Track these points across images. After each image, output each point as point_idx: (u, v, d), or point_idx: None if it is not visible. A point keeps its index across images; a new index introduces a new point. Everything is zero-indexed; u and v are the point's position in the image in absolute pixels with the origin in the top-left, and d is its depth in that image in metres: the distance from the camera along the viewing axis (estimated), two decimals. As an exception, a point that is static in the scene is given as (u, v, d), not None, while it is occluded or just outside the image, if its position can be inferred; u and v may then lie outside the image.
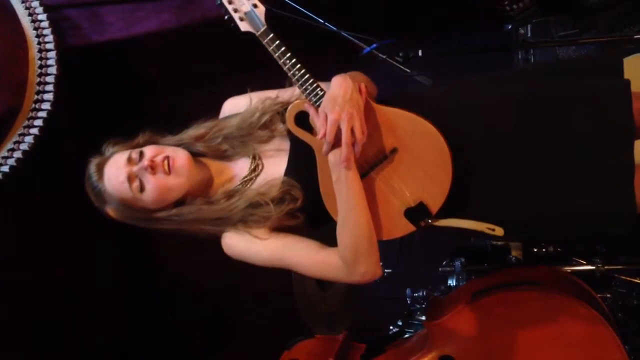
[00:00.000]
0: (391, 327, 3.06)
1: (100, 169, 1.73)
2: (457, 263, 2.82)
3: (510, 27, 3.02)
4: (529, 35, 3.00)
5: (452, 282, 2.87)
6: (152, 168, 1.65)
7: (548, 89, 1.71)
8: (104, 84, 2.87)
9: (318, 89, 1.58)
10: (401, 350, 2.36)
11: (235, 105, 1.85)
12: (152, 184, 1.66)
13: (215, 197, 1.74)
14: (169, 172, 1.66)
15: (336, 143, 1.54)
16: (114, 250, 3.26)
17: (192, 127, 1.82)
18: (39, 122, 2.40)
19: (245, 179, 1.76)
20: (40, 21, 2.42)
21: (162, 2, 2.60)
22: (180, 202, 1.73)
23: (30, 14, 2.41)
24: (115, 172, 1.69)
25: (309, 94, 1.58)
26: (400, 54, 2.39)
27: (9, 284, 2.60)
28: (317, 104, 1.58)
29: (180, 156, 1.69)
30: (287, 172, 1.72)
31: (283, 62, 1.58)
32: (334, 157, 1.57)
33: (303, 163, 1.69)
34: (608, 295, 2.61)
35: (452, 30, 3.28)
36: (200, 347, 3.56)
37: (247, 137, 1.77)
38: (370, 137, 1.57)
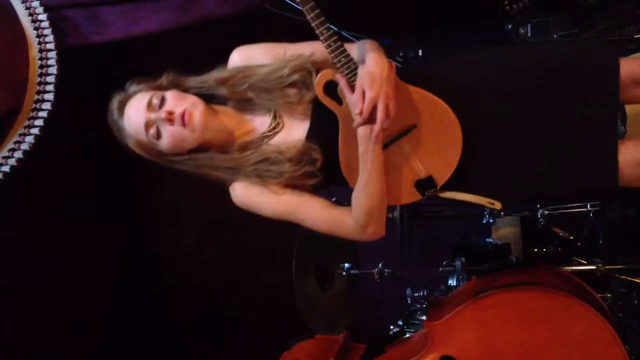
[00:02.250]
0: (391, 327, 3.06)
1: (122, 106, 1.78)
2: (458, 263, 2.82)
3: (510, 26, 3.02)
4: (528, 35, 3.00)
5: (452, 282, 2.87)
6: (170, 120, 1.69)
7: (544, 71, 1.78)
8: (104, 84, 2.86)
9: (351, 62, 1.62)
10: (401, 350, 2.36)
11: (249, 56, 1.85)
12: (169, 133, 1.71)
13: (231, 147, 1.78)
14: (184, 125, 1.70)
15: (369, 118, 1.58)
16: (114, 249, 3.26)
17: (216, 70, 1.83)
18: (39, 122, 2.39)
19: (264, 134, 1.80)
20: (41, 21, 2.41)
21: (161, 2, 2.60)
22: (196, 150, 1.77)
23: (30, 14, 2.40)
24: (135, 115, 1.74)
25: (342, 65, 1.62)
26: (401, 54, 2.40)
27: (9, 284, 2.61)
28: (349, 76, 1.62)
29: (198, 111, 1.71)
30: (309, 136, 1.77)
31: (320, 32, 1.61)
32: (365, 131, 1.63)
33: (325, 129, 1.74)
34: (608, 295, 2.61)
35: (452, 30, 3.28)
36: (200, 347, 3.56)
37: (274, 92, 1.78)
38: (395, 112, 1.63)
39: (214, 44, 2.94)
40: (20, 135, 2.38)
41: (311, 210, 1.77)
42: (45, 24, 2.41)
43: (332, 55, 1.62)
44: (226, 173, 1.77)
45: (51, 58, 2.40)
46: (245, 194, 1.77)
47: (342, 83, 1.64)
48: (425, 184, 1.75)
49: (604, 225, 2.81)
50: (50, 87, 2.40)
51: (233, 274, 3.43)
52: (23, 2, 2.41)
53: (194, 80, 1.82)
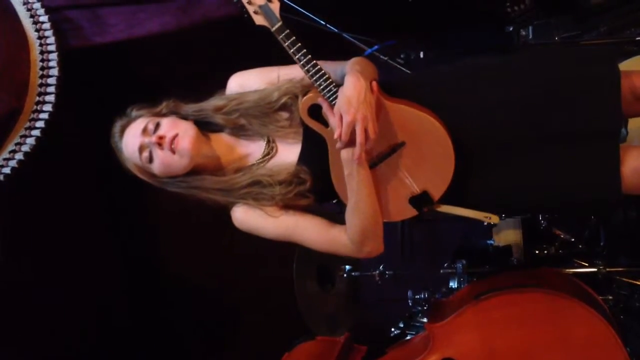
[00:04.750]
0: (392, 329, 3.06)
1: (122, 130, 1.83)
2: (459, 265, 2.81)
3: (511, 28, 3.01)
4: (530, 37, 2.99)
5: (453, 284, 2.87)
6: (160, 145, 1.74)
7: (543, 81, 1.76)
8: (105, 85, 2.87)
9: (331, 85, 1.64)
10: (403, 352, 2.36)
11: (244, 81, 1.89)
12: (159, 159, 1.76)
13: (224, 172, 1.84)
14: (173, 151, 1.74)
15: (349, 141, 1.61)
16: (115, 251, 3.26)
17: (215, 97, 1.88)
18: (40, 124, 2.40)
19: (258, 160, 1.84)
20: (42, 22, 2.41)
21: (163, 3, 2.60)
22: (190, 173, 1.81)
23: (31, 16, 2.40)
24: (131, 139, 1.79)
25: (323, 89, 1.65)
26: (402, 56, 2.40)
27: (9, 285, 2.61)
28: (331, 99, 1.65)
29: (188, 137, 1.75)
30: (300, 159, 1.81)
31: (298, 59, 1.63)
32: (347, 154, 1.66)
33: (315, 150, 1.78)
34: (610, 297, 2.60)
35: (453, 32, 3.28)
36: (201, 349, 3.56)
37: (266, 118, 1.82)
38: (381, 131, 1.65)
39: (214, 45, 2.96)
40: (21, 137, 2.39)
41: (308, 232, 1.82)
42: (47, 25, 2.42)
43: (312, 80, 1.65)
44: (218, 195, 1.81)
45: (52, 60, 2.41)
46: (244, 217, 1.82)
47: (325, 107, 1.67)
48: (420, 200, 1.76)
49: (605, 227, 2.80)
50: (52, 89, 2.40)
51: (234, 275, 3.43)
52: (24, 4, 2.41)
53: (191, 108, 1.87)
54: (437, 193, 1.75)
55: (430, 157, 1.71)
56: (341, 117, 1.59)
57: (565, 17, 2.91)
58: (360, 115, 1.57)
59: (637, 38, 2.53)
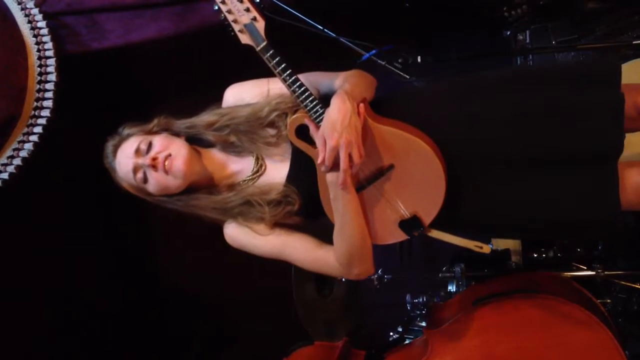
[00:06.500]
0: (391, 334, 3.06)
1: (115, 150, 1.82)
2: (457, 269, 2.81)
3: (508, 33, 3.02)
4: (527, 41, 3.00)
5: (452, 288, 2.86)
6: (154, 166, 1.73)
7: (540, 101, 1.71)
8: (103, 90, 2.87)
9: (318, 106, 1.60)
10: (401, 357, 2.35)
11: (239, 93, 1.88)
12: (154, 179, 1.76)
13: (217, 189, 1.83)
14: (167, 172, 1.74)
15: (334, 165, 1.57)
16: (113, 258, 3.26)
17: (207, 112, 1.86)
18: (38, 129, 2.40)
19: (248, 178, 1.82)
20: (40, 28, 2.42)
21: (161, 9, 2.61)
22: (185, 191, 1.81)
23: (29, 22, 2.41)
24: (124, 160, 1.79)
25: (309, 110, 1.61)
26: (400, 60, 2.40)
27: (8, 290, 2.61)
28: (317, 119, 1.61)
29: (180, 157, 1.74)
30: (289, 179, 1.78)
31: (283, 79, 1.59)
32: (332, 177, 1.62)
33: (304, 170, 1.74)
34: (608, 301, 2.61)
35: (451, 36, 3.28)
36: (199, 354, 3.55)
37: (254, 135, 1.80)
38: (369, 154, 1.62)
39: (212, 51, 2.96)
40: (19, 142, 2.39)
41: (296, 252, 1.80)
42: (45, 31, 2.42)
43: (298, 101, 1.61)
44: (213, 213, 1.81)
45: (50, 65, 2.41)
46: (235, 235, 1.82)
47: (312, 128, 1.63)
48: (410, 224, 1.71)
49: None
50: (49, 94, 2.40)
51: (232, 281, 3.42)
52: (22, 10, 2.42)
53: (183, 124, 1.86)
54: (427, 217, 1.70)
55: (420, 180, 1.66)
56: (325, 142, 1.55)
57: (562, 21, 2.92)
58: (343, 140, 1.53)
59: (634, 42, 2.53)
